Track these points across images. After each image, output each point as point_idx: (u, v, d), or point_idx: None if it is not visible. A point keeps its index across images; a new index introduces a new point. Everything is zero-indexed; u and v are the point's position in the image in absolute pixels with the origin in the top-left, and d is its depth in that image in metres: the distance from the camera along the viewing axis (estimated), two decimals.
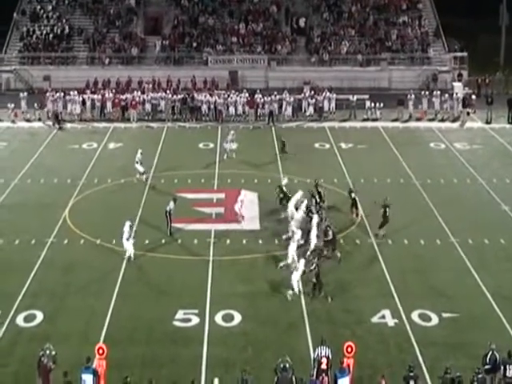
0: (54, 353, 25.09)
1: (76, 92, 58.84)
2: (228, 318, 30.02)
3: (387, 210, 36.59)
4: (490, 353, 25.15)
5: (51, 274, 33.57)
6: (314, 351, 25.43)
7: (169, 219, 37.21)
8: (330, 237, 34.89)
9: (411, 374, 24.23)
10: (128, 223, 34.65)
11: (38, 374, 24.55)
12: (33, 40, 70.26)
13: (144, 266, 34.27)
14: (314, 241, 34.74)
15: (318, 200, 38.85)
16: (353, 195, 38.98)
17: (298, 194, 38.11)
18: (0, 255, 35.44)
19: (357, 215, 38.91)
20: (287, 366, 24.75)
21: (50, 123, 56.60)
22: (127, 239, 34.32)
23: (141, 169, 44.28)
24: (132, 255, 34.31)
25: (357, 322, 29.68)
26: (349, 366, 24.68)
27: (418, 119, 58.26)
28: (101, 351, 24.90)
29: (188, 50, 69.76)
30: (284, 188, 39.82)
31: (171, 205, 37.17)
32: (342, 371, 24.27)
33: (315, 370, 24.69)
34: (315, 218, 35.61)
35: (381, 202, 36.93)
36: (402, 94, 60.28)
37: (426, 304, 30.89)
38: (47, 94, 58.58)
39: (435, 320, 29.87)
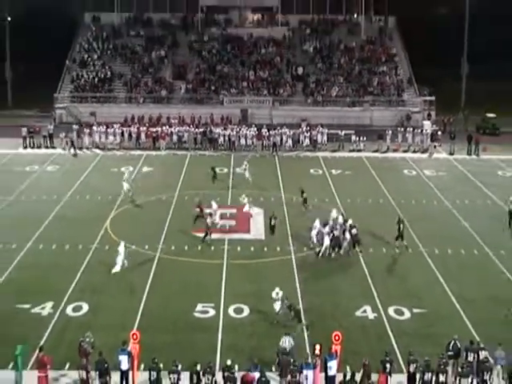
0: (92, 340, 25.12)
1: (116, 125, 59.14)
2: (239, 310, 30.03)
3: (401, 224, 36.50)
4: (453, 342, 25.18)
5: (95, 273, 33.61)
6: (280, 339, 25.45)
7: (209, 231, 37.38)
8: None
9: (387, 359, 24.20)
10: (123, 244, 34.11)
11: (80, 356, 24.60)
12: (81, 82, 70.60)
13: (170, 267, 34.28)
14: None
15: (306, 204, 41.91)
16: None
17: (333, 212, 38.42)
18: (53, 258, 35.47)
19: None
20: (286, 349, 24.85)
21: (68, 150, 56.77)
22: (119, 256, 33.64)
23: (126, 186, 43.95)
24: (117, 270, 33.46)
25: (343, 316, 29.63)
26: (336, 351, 24.62)
27: (395, 150, 58.23)
28: (135, 337, 24.93)
29: (207, 92, 69.96)
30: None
31: (208, 220, 37.41)
32: (330, 355, 24.28)
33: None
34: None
35: (396, 219, 36.97)
36: (382, 130, 60.47)
37: (400, 301, 30.85)
38: (76, 127, 58.92)
39: (407, 314, 29.85)
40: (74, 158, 55.32)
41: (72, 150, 56.50)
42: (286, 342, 25.44)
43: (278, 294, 29.19)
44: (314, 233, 36.53)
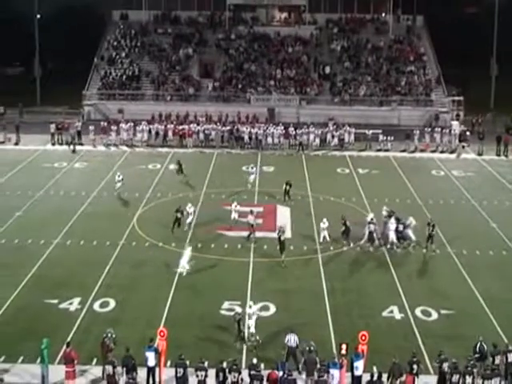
0: (114, 336, 25.16)
1: (144, 122, 59.39)
2: (265, 308, 29.99)
3: (432, 227, 36.25)
4: (479, 343, 24.96)
5: (122, 269, 33.76)
6: (285, 337, 25.46)
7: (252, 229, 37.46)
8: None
9: (414, 359, 24.04)
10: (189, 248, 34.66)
11: (102, 352, 24.71)
12: (109, 80, 70.94)
13: (197, 265, 34.29)
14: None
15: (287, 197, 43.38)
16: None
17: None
18: (81, 253, 35.69)
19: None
20: (312, 348, 24.79)
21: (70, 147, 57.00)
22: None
23: (118, 184, 44.44)
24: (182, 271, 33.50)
25: (370, 316, 29.49)
26: (363, 351, 24.50)
27: (422, 150, 57.74)
28: (162, 333, 24.94)
29: (234, 91, 69.93)
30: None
31: (251, 219, 37.36)
32: (357, 355, 24.18)
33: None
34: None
35: (427, 221, 36.71)
36: (409, 129, 59.98)
37: (427, 302, 30.64)
38: (104, 124, 59.24)
39: (435, 315, 29.64)
40: (101, 155, 55.61)
41: (71, 147, 56.63)
42: (292, 339, 25.42)
43: None
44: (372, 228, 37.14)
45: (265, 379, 23.24)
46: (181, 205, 38.47)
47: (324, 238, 36.84)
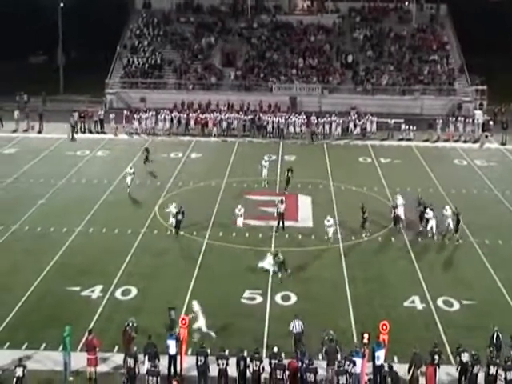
0: (135, 325, 25.27)
1: (166, 111, 59.40)
2: (286, 298, 29.98)
3: (459, 217, 36.07)
4: (495, 334, 24.80)
5: (143, 257, 33.83)
6: (290, 324, 25.57)
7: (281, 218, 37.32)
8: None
9: (436, 350, 23.91)
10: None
11: (124, 341, 24.81)
12: (132, 68, 70.98)
13: (218, 253, 34.33)
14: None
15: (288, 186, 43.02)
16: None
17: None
18: (103, 241, 35.80)
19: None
20: (332, 337, 24.70)
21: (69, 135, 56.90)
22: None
23: (129, 179, 43.02)
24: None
25: (391, 305, 29.38)
26: (384, 341, 24.44)
27: (446, 140, 57.18)
28: (183, 321, 25.05)
29: (256, 80, 69.70)
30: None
31: (281, 207, 37.25)
32: (378, 345, 24.08)
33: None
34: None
35: (455, 211, 36.45)
36: (432, 119, 59.53)
37: (449, 292, 30.45)
38: (126, 113, 59.39)
39: (457, 306, 29.46)
40: (123, 143, 55.70)
41: (71, 135, 56.60)
42: (297, 326, 25.49)
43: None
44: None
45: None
46: (182, 206, 36.95)
47: (329, 236, 35.85)
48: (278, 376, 22.92)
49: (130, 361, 23.39)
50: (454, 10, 78.30)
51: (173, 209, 36.97)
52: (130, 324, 25.16)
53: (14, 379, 22.77)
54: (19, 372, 22.79)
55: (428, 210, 36.52)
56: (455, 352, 23.99)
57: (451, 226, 36.23)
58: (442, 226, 36.52)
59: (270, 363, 23.45)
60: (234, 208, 37.74)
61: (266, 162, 45.52)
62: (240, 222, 37.40)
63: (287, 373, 22.96)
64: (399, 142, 56.95)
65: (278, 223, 37.31)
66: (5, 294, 29.77)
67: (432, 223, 36.31)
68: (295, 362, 23.49)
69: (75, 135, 56.71)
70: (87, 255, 33.90)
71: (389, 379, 22.58)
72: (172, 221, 36.87)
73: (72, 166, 48.41)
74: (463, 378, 23.63)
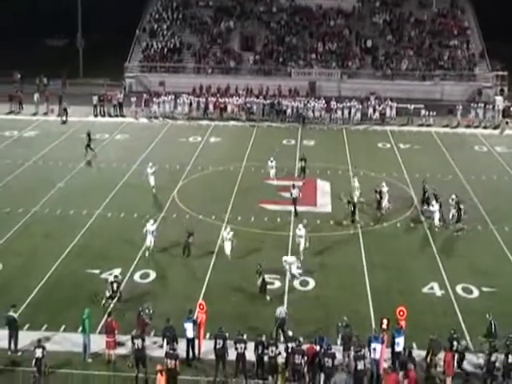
0: (151, 311, 25.35)
1: (185, 95, 59.26)
2: (304, 283, 29.90)
3: (460, 205, 35.55)
4: (491, 323, 24.92)
5: (162, 241, 33.73)
6: (276, 310, 25.75)
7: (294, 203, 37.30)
8: None
9: (454, 336, 23.82)
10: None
11: (138, 326, 24.76)
12: (151, 52, 70.84)
13: (237, 237, 33.90)
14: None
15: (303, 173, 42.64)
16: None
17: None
18: (122, 225, 35.88)
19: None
20: (346, 323, 24.62)
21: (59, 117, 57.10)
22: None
23: (152, 179, 40.16)
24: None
25: (410, 292, 29.25)
26: (402, 327, 24.38)
27: (467, 126, 56.58)
28: (201, 306, 25.06)
29: (275, 64, 69.32)
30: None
31: (294, 192, 37.26)
32: (398, 331, 24.01)
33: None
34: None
35: (455, 199, 35.95)
36: (452, 104, 58.97)
37: (468, 279, 30.26)
38: (146, 96, 59.33)
39: (476, 293, 29.29)
40: (142, 127, 55.68)
41: (64, 118, 56.63)
42: (283, 312, 25.64)
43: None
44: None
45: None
46: (191, 229, 33.08)
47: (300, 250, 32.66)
48: (296, 361, 22.90)
49: (138, 342, 23.44)
50: None
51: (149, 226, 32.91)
52: (146, 310, 25.27)
53: (34, 360, 22.97)
54: (38, 353, 22.99)
55: (434, 202, 35.97)
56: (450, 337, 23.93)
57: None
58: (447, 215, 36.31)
59: (287, 347, 23.42)
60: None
61: (272, 162, 42.78)
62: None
63: (305, 358, 22.93)
64: (419, 127, 56.44)
65: (295, 208, 37.26)
66: (25, 276, 29.95)
67: (436, 216, 35.71)
68: (314, 347, 23.44)
69: (67, 118, 56.78)
70: (106, 238, 34.01)
71: (410, 365, 22.45)
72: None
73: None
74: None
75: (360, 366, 22.74)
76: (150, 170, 40.06)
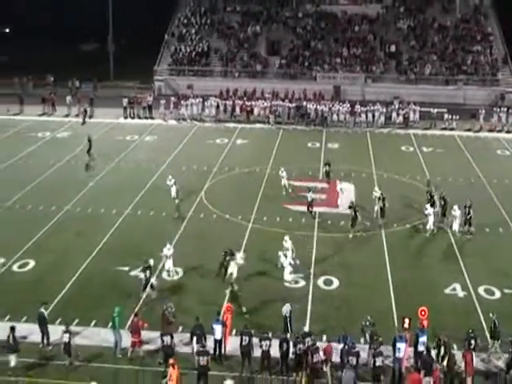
0: (173, 310, 25.37)
1: (212, 98, 59.50)
2: (328, 282, 29.93)
3: (469, 209, 35.13)
4: (494, 323, 24.82)
5: (190, 239, 33.99)
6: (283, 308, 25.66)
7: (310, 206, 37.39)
8: None
9: (472, 335, 23.80)
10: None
11: (163, 323, 24.98)
12: (179, 56, 71.15)
13: (262, 237, 34.29)
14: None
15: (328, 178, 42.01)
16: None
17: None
18: (151, 223, 36.06)
19: None
20: (373, 322, 24.61)
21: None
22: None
23: (173, 190, 38.27)
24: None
25: (432, 292, 29.10)
26: (424, 326, 24.32)
27: (490, 130, 56.07)
28: (228, 308, 25.22)
29: (301, 68, 69.30)
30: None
31: (311, 194, 37.33)
32: (422, 331, 23.95)
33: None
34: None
35: (465, 204, 35.47)
36: (475, 109, 58.50)
37: (490, 281, 30.05)
38: (174, 99, 59.58)
39: (498, 294, 29.09)
40: (171, 129, 55.95)
41: (84, 119, 57.11)
42: (288, 310, 25.57)
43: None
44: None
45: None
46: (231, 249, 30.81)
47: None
48: (314, 359, 22.90)
49: (167, 339, 23.60)
50: (497, 0, 76.81)
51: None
52: (169, 309, 25.35)
53: (62, 345, 23.43)
54: (66, 338, 23.46)
55: (427, 206, 35.49)
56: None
57: (455, 225, 34.84)
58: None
59: (295, 344, 23.44)
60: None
61: (282, 172, 41.04)
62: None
63: (321, 355, 22.98)
64: (442, 131, 56.08)
65: (310, 210, 37.39)
66: (57, 273, 30.26)
67: (430, 220, 35.10)
68: (331, 346, 23.45)
69: (86, 119, 57.29)
70: (136, 236, 34.20)
71: (436, 365, 22.38)
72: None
73: (121, 150, 48.82)
74: None
75: (378, 362, 22.74)
76: (170, 182, 38.72)
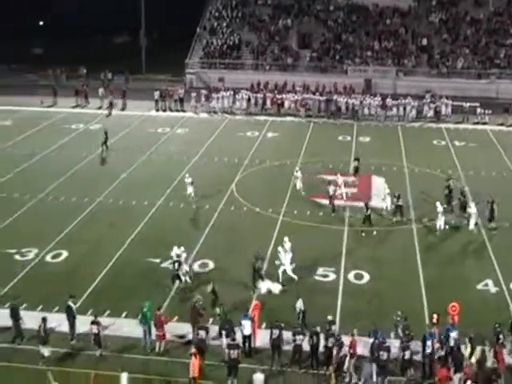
0: (201, 303, 25.20)
1: (243, 91, 59.34)
2: (359, 276, 29.65)
3: (493, 205, 34.48)
4: None
5: (220, 232, 33.90)
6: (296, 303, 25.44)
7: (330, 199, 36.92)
8: None
9: (498, 330, 23.60)
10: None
11: (193, 316, 24.85)
12: (211, 49, 71.02)
13: (292, 231, 33.79)
14: None
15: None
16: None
17: None
18: (182, 215, 36.04)
19: None
20: (406, 317, 24.32)
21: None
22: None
23: (190, 190, 37.52)
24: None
25: (464, 288, 28.67)
26: (455, 322, 24.01)
27: None
28: (256, 306, 25.15)
29: (332, 61, 68.79)
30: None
31: (330, 189, 36.86)
32: (452, 326, 23.65)
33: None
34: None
35: (487, 199, 34.85)
36: (508, 103, 57.48)
37: None
38: (205, 92, 59.64)
39: None
40: (202, 121, 55.88)
41: (109, 111, 57.50)
42: (302, 305, 25.35)
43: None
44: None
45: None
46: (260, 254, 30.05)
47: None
48: (341, 353, 22.80)
49: (202, 333, 23.55)
50: None
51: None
52: (199, 302, 25.25)
53: (92, 336, 23.55)
54: (94, 329, 23.61)
55: (437, 204, 34.60)
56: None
57: (472, 222, 34.02)
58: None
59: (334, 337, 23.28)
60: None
61: (297, 171, 39.73)
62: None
63: (346, 349, 22.82)
64: (474, 125, 55.26)
65: (332, 204, 36.86)
66: (89, 264, 30.36)
67: (441, 220, 33.98)
68: (355, 340, 23.23)
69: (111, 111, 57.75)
70: (167, 228, 34.17)
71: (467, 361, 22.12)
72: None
73: (153, 143, 48.87)
74: None
75: (407, 355, 22.57)
76: (188, 180, 37.74)
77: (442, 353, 23.07)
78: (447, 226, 34.29)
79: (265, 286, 28.52)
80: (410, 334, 23.50)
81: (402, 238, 33.69)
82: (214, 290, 26.96)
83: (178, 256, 28.59)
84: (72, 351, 24.20)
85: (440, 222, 34.01)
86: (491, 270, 30.31)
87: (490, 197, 34.90)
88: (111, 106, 57.93)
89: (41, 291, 27.82)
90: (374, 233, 34.12)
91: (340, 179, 38.02)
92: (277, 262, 29.52)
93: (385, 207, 36.11)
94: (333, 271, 29.99)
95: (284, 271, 29.17)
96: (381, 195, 37.34)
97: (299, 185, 39.07)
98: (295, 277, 29.11)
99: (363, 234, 33.94)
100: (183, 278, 28.45)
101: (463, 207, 35.46)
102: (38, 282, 28.68)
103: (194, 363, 21.97)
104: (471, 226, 34.02)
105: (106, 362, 23.38)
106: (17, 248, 31.65)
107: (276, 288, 28.53)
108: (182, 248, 29.14)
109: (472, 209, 34.20)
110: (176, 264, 28.38)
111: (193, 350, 22.41)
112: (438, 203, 34.63)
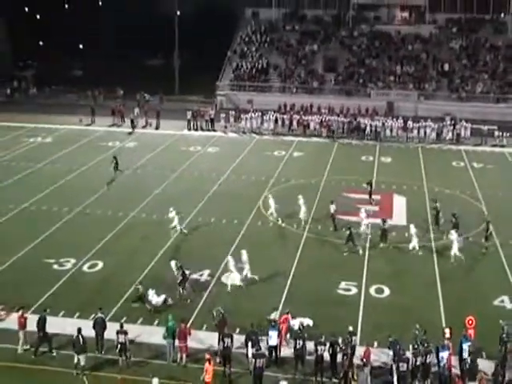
0: (223, 312, 25.22)
1: (271, 112, 59.71)
2: (379, 291, 29.67)
3: (488, 224, 34.29)
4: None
5: (248, 246, 33.86)
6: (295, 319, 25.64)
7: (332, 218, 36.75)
8: None
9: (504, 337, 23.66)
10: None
11: (221, 326, 24.89)
12: (240, 72, 71.61)
13: (316, 246, 34.23)
14: None
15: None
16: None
17: None
18: (211, 230, 36.39)
19: None
20: (425, 330, 24.30)
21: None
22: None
23: (175, 222, 35.74)
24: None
25: (480, 303, 28.55)
26: (470, 335, 23.98)
27: None
28: (285, 319, 25.30)
29: (356, 85, 69.00)
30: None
31: (331, 208, 36.83)
32: (465, 338, 23.59)
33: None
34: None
35: (485, 218, 34.83)
36: None
37: None
38: (235, 113, 60.15)
39: None
40: (231, 141, 56.33)
41: (131, 129, 58.20)
42: (309, 321, 25.72)
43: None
44: None
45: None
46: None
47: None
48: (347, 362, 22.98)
49: (228, 340, 23.65)
50: None
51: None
52: (221, 311, 25.35)
53: (118, 345, 23.68)
54: (121, 338, 23.64)
55: (411, 226, 34.12)
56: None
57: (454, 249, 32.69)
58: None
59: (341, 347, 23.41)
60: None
61: (300, 200, 37.80)
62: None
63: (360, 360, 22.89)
64: (492, 147, 55.07)
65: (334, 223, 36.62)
66: (123, 274, 30.67)
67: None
68: (369, 350, 23.28)
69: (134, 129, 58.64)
70: (197, 242, 34.48)
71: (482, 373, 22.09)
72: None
73: (185, 160, 49.35)
74: None
75: (418, 362, 22.69)
76: (171, 214, 35.85)
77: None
78: (417, 247, 33.65)
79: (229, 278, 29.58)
80: (429, 347, 23.46)
81: (422, 254, 33.54)
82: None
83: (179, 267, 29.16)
84: (103, 356, 24.43)
85: (413, 244, 33.55)
86: (507, 286, 30.18)
87: (488, 216, 34.73)
88: (133, 123, 58.70)
89: (78, 299, 28.19)
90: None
91: (363, 213, 36.53)
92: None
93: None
94: (355, 285, 30.04)
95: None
96: (402, 212, 37.32)
97: (303, 213, 37.17)
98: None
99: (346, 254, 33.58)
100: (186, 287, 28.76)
101: (456, 227, 34.59)
102: (76, 291, 29.05)
103: (208, 368, 22.17)
104: (454, 250, 32.61)
105: (138, 368, 23.57)
106: (55, 258, 32.14)
107: (236, 279, 29.56)
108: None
109: (453, 235, 33.20)
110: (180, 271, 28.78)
111: (207, 355, 22.57)
112: (411, 225, 34.26)
